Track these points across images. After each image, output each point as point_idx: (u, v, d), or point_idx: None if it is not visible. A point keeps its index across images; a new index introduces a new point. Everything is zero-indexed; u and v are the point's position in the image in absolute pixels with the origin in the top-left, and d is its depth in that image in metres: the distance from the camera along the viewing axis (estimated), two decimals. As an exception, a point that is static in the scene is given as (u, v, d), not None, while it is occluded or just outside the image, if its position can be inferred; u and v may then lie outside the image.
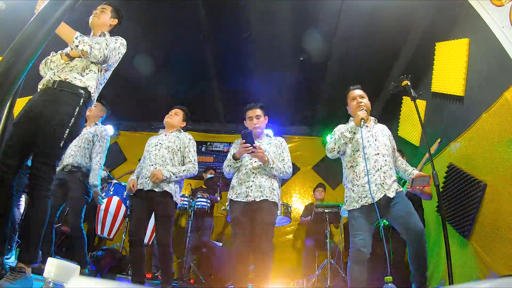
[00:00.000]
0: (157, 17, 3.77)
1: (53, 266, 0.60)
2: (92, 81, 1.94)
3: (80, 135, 2.67)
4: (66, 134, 1.75)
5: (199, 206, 4.19)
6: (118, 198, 3.88)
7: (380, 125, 2.45)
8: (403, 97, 4.33)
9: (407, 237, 2.08)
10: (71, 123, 1.78)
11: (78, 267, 0.62)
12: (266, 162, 2.36)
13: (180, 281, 3.74)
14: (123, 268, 3.60)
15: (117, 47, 2.02)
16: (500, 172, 2.46)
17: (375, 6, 3.36)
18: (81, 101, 1.86)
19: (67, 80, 1.85)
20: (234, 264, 2.32)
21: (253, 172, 2.41)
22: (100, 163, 2.88)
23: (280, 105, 5.17)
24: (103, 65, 1.98)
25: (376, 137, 2.31)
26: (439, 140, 2.46)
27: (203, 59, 4.41)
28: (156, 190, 2.51)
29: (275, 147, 2.55)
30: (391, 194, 2.15)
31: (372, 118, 2.45)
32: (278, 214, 3.74)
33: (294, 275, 4.74)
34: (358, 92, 2.41)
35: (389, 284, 1.64)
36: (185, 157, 2.72)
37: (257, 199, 2.33)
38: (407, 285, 3.62)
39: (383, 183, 2.16)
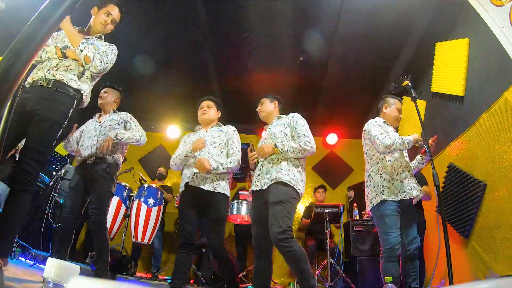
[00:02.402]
0: (157, 17, 3.77)
1: (53, 266, 0.60)
2: (86, 85, 2.00)
3: (100, 125, 2.65)
4: (59, 135, 1.79)
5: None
6: (118, 198, 3.86)
7: None
8: (403, 97, 4.32)
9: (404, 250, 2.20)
10: (65, 124, 1.82)
11: (78, 267, 0.62)
12: (276, 150, 2.17)
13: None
14: (123, 268, 3.59)
15: (113, 58, 2.11)
16: (500, 172, 2.46)
17: (375, 6, 3.36)
18: (75, 103, 1.89)
19: (63, 81, 1.87)
20: (255, 260, 2.16)
21: (261, 160, 2.29)
22: (137, 136, 2.80)
23: (280, 105, 5.16)
24: (96, 74, 2.05)
25: None
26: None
27: (203, 59, 4.41)
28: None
29: (282, 125, 2.32)
30: (414, 194, 2.32)
31: None
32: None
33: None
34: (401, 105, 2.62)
35: (389, 284, 1.64)
36: None
37: (264, 187, 2.14)
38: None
39: (416, 183, 2.36)
